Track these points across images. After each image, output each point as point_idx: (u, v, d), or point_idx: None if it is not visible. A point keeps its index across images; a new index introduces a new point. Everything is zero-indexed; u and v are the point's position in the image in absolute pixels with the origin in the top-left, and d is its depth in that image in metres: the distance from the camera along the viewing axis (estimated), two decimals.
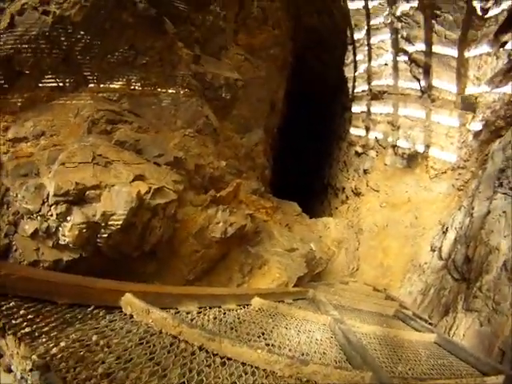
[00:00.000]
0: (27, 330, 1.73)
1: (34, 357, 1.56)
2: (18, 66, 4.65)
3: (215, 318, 2.72)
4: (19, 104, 4.67)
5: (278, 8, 10.41)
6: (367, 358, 2.70)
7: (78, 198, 3.79)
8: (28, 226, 3.84)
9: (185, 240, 4.86)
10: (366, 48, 10.97)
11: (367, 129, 11.05)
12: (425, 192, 9.08)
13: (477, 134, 8.13)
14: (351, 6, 10.98)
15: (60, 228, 3.75)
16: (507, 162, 5.76)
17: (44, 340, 1.71)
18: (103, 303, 2.19)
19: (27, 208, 3.81)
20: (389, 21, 10.07)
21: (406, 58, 9.83)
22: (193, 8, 6.84)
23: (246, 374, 2.04)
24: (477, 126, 8.18)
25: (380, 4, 10.29)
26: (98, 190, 3.86)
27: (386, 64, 10.42)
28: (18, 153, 4.28)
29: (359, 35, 11.21)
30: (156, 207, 4.26)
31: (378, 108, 10.73)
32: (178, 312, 2.54)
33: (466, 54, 8.51)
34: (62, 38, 4.98)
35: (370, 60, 10.89)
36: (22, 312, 1.83)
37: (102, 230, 3.72)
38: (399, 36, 9.81)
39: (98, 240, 3.72)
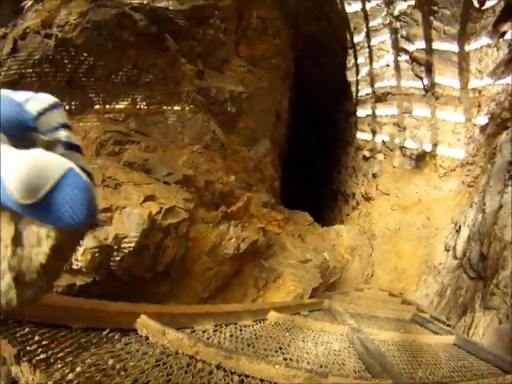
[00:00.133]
0: (42, 356, 1.73)
1: (49, 383, 1.57)
2: (23, 90, 4.71)
3: (231, 336, 2.72)
4: None
5: (276, 17, 10.48)
6: (386, 365, 2.69)
7: None
8: None
9: (198, 258, 4.86)
10: (367, 50, 10.95)
11: (373, 132, 10.99)
12: (435, 191, 9.00)
13: (483, 128, 8.04)
14: (349, 9, 10.98)
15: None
16: None
17: (59, 366, 1.72)
18: (118, 326, 2.20)
19: None
20: (387, 21, 10.05)
21: (407, 58, 9.79)
22: (193, 23, 6.91)
23: None
24: (482, 119, 8.09)
25: (377, 5, 10.28)
26: (109, 212, 3.88)
27: (387, 65, 10.38)
28: None
29: (359, 38, 11.20)
30: (168, 227, 4.27)
31: (382, 110, 10.68)
32: (194, 331, 2.55)
33: (467, 48, 8.46)
34: (66, 61, 5.07)
35: (371, 62, 10.87)
36: (36, 338, 1.84)
37: (115, 253, 3.74)
38: (399, 36, 9.79)
39: (111, 263, 3.73)
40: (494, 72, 7.67)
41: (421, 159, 9.49)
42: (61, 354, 1.80)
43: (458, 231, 7.10)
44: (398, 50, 9.91)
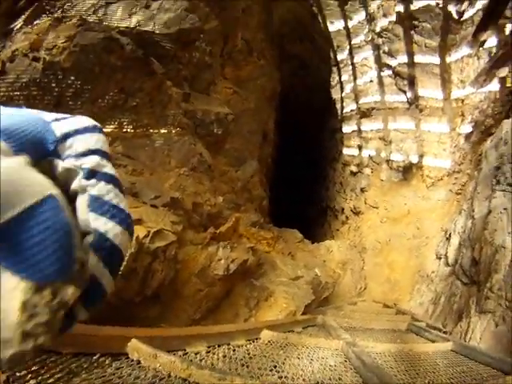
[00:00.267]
0: (32, 382, 1.69)
1: None
2: None
3: (225, 356, 2.67)
4: None
5: (262, 39, 10.67)
6: (384, 377, 2.65)
7: None
8: None
9: (187, 280, 4.81)
10: (350, 67, 11.16)
11: (360, 147, 11.13)
12: (423, 201, 9.09)
13: (468, 136, 8.20)
14: (331, 28, 11.22)
15: None
16: (501, 159, 5.74)
17: None
18: (108, 350, 2.15)
19: None
20: (369, 38, 10.28)
21: (390, 72, 10.00)
22: (179, 46, 6.98)
23: None
24: (467, 128, 8.26)
25: (359, 22, 10.53)
26: None
27: (371, 81, 10.58)
28: None
29: (342, 56, 11.43)
30: (156, 250, 4.23)
31: (368, 125, 10.84)
32: (187, 353, 2.49)
33: (448, 59, 8.68)
34: (53, 84, 5.07)
35: (355, 79, 11.07)
36: (26, 364, 1.78)
37: None
38: (381, 51, 10.02)
39: None
40: (475, 81, 7.83)
41: (408, 171, 9.60)
42: (51, 380, 1.75)
43: (448, 239, 7.13)
44: (380, 65, 10.11)
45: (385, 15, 9.71)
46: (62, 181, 0.85)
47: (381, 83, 10.24)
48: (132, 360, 2.15)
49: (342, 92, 11.83)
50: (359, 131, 11.17)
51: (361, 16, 10.50)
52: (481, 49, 7.85)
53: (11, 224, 0.65)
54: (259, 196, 9.98)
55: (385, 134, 10.21)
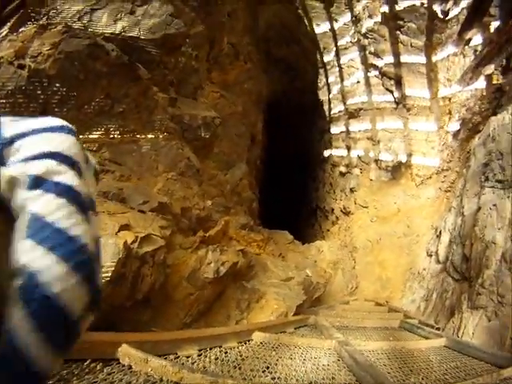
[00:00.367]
0: None
1: None
2: None
3: (217, 359, 2.66)
4: None
5: (248, 43, 10.72)
6: (378, 375, 2.65)
7: None
8: None
9: (178, 284, 4.78)
10: (337, 69, 11.28)
11: (348, 148, 11.18)
12: (413, 200, 9.15)
13: (456, 134, 8.26)
14: (318, 30, 11.35)
15: None
16: (490, 156, 5.77)
17: None
18: (100, 356, 2.12)
19: None
20: (355, 39, 10.40)
21: (376, 73, 10.08)
22: (165, 51, 7.00)
23: None
24: (454, 126, 8.33)
25: (345, 24, 10.66)
26: None
27: (358, 81, 10.67)
28: None
29: (329, 57, 11.56)
30: (144, 255, 4.20)
31: (356, 126, 10.89)
32: (178, 357, 2.48)
33: (434, 59, 8.78)
34: (39, 92, 5.06)
35: (342, 80, 11.17)
36: None
37: None
38: (367, 52, 10.11)
39: None
40: (462, 79, 7.89)
41: (397, 170, 9.65)
42: None
43: (438, 236, 7.17)
44: (367, 66, 10.19)
45: (370, 16, 9.80)
46: (6, 193, 0.66)
47: (368, 84, 10.32)
48: (123, 365, 2.13)
49: (329, 93, 11.92)
50: (347, 132, 11.23)
51: (346, 18, 10.60)
52: (466, 47, 7.93)
53: None
54: (249, 198, 9.98)
55: (373, 133, 10.27)
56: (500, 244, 4.79)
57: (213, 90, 8.83)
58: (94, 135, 5.64)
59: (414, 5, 8.83)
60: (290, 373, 2.70)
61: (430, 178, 9.00)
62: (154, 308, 4.42)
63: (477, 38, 7.64)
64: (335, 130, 11.91)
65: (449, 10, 8.29)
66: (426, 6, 8.69)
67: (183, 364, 2.35)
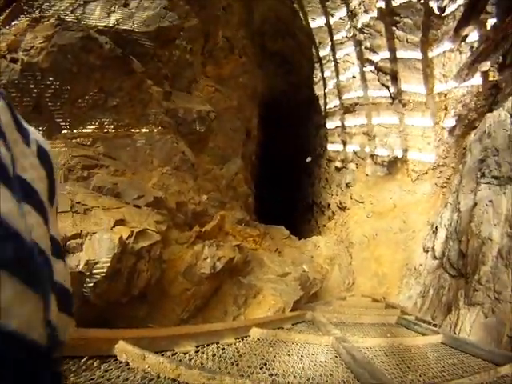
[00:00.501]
0: None
1: None
2: None
3: (214, 355, 2.63)
4: None
5: (242, 37, 10.66)
6: (375, 372, 2.63)
7: None
8: None
9: (174, 279, 4.75)
10: (333, 64, 11.26)
11: (344, 143, 11.17)
12: (409, 195, 9.16)
13: (452, 130, 8.28)
14: (313, 24, 11.30)
15: None
16: (486, 152, 5.78)
17: None
18: (96, 353, 2.08)
19: None
20: (351, 34, 10.36)
21: (372, 68, 10.06)
22: (159, 45, 6.93)
23: None
24: (450, 122, 8.34)
25: (341, 19, 10.63)
26: (79, 238, 3.75)
27: (353, 76, 10.65)
28: None
29: (324, 52, 11.52)
30: (140, 250, 4.16)
31: (351, 121, 10.88)
32: (175, 353, 2.44)
33: (430, 55, 8.76)
34: (32, 86, 5.00)
35: (337, 75, 11.14)
36: None
37: (87, 280, 3.60)
38: (363, 47, 10.08)
39: (84, 290, 3.59)
40: (458, 75, 7.89)
41: (392, 165, 9.65)
42: None
43: (434, 232, 7.19)
44: (363, 61, 10.17)
45: (366, 11, 9.76)
46: None
47: (363, 79, 10.29)
48: (120, 362, 2.10)
49: (325, 88, 11.88)
50: (343, 127, 11.22)
51: (342, 12, 10.56)
52: (463, 43, 7.93)
53: None
54: (244, 193, 9.95)
55: (369, 129, 10.27)
56: (496, 240, 4.80)
57: (207, 84, 8.78)
58: (88, 129, 5.58)
59: (410, 0, 8.80)
60: (288, 369, 2.67)
61: (426, 173, 9.00)
62: (150, 304, 4.39)
63: (473, 35, 7.64)
64: (331, 124, 11.89)
65: (445, 6, 8.27)
66: (422, 1, 8.68)
67: (180, 361, 2.32)
